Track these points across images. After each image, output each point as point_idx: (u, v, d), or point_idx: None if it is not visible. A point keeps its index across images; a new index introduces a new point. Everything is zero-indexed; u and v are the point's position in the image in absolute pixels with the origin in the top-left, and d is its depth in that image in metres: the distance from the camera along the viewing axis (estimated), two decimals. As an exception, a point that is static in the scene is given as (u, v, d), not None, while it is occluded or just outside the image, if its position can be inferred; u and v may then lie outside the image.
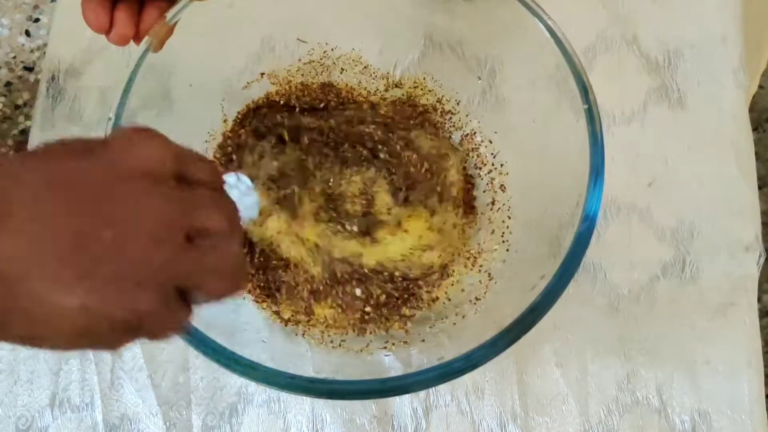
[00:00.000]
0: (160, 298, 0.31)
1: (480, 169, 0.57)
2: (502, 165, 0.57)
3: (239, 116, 0.57)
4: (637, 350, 0.55)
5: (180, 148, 0.34)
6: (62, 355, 0.55)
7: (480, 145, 0.57)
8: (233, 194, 0.38)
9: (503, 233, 0.55)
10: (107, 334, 0.30)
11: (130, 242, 0.30)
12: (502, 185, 0.56)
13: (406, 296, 0.54)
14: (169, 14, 0.46)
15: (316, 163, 0.55)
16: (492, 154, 0.57)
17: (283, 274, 0.54)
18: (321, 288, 0.54)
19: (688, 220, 0.58)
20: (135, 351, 0.55)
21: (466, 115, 0.58)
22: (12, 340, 0.30)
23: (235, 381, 0.55)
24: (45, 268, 0.28)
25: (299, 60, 0.58)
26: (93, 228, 0.29)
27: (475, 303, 0.52)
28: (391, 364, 0.50)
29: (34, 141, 0.60)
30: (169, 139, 0.33)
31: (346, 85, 0.59)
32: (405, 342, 0.52)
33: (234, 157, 0.56)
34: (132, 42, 0.45)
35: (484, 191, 0.57)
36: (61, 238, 0.29)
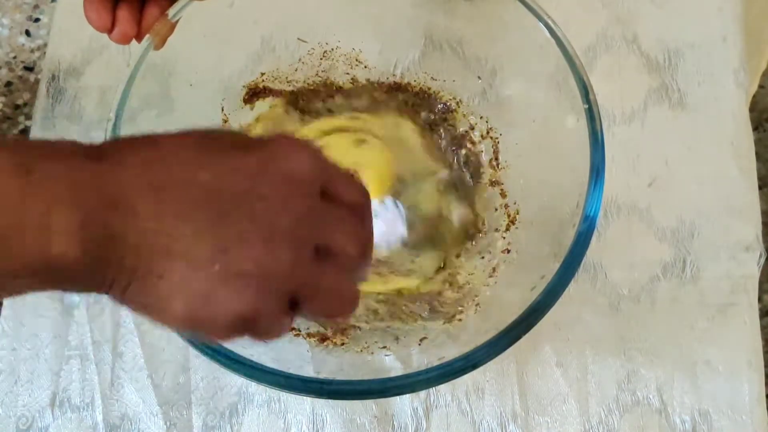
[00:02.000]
0: (278, 300, 0.31)
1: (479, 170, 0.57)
2: (501, 166, 0.57)
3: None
4: (638, 350, 0.55)
5: (331, 164, 0.34)
6: (62, 355, 0.55)
7: (479, 144, 0.57)
8: (385, 217, 0.38)
9: (503, 233, 0.55)
10: (220, 325, 0.31)
11: (264, 240, 0.30)
12: (501, 186, 0.56)
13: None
14: (170, 12, 0.46)
15: None
16: (492, 153, 0.57)
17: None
18: None
19: (688, 220, 0.58)
20: (135, 351, 0.55)
21: (465, 115, 0.58)
22: (132, 303, 0.30)
23: (235, 381, 0.55)
24: (181, 243, 0.29)
25: (299, 60, 0.58)
26: (232, 217, 0.30)
27: (475, 303, 0.52)
28: (391, 364, 0.50)
29: (34, 141, 0.60)
30: (323, 152, 0.34)
31: (346, 84, 0.59)
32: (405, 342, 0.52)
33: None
34: (133, 41, 0.45)
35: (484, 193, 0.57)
36: (199, 219, 0.29)
